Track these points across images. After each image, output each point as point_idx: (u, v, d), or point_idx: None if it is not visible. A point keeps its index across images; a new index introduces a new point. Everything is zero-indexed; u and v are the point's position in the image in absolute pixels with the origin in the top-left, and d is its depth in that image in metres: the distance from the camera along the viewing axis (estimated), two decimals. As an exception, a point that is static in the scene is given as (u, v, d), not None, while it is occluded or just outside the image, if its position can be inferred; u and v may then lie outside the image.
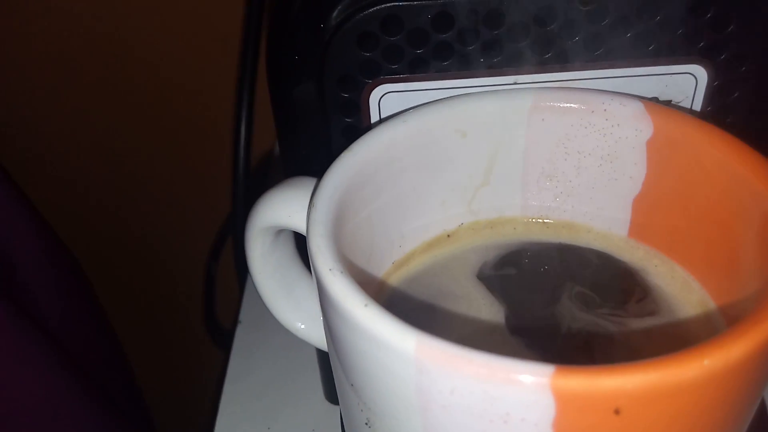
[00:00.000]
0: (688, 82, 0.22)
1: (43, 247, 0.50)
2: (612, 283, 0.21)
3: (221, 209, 0.56)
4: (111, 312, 0.60)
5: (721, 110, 0.22)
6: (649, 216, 0.22)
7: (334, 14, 0.20)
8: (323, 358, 0.29)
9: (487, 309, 0.20)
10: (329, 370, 0.29)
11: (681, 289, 0.21)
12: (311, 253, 0.16)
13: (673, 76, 0.22)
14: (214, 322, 0.53)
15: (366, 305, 0.14)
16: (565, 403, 0.13)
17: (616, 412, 0.13)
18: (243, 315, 0.35)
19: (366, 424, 0.16)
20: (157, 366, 0.67)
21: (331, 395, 0.30)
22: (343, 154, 0.19)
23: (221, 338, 0.52)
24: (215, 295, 0.55)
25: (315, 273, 0.16)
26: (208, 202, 0.59)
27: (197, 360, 0.65)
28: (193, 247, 0.61)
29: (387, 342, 0.14)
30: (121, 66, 0.52)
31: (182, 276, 0.63)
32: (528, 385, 0.13)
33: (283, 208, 0.20)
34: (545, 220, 0.23)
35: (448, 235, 0.23)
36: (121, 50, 0.51)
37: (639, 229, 0.22)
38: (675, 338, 0.19)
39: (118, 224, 0.62)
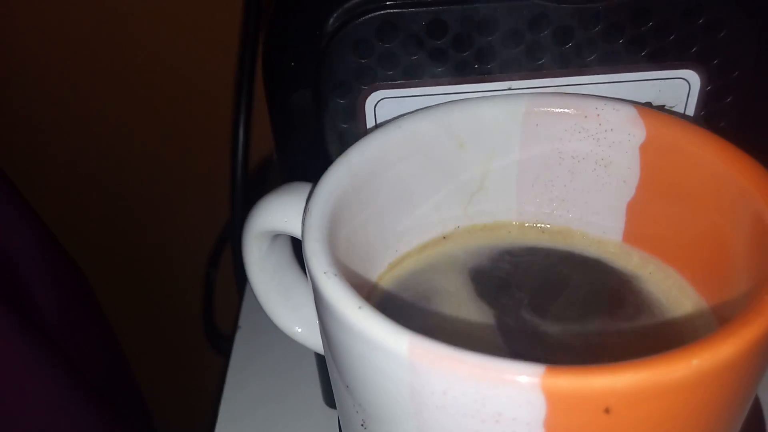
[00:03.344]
0: (681, 87, 0.22)
1: (46, 253, 0.50)
2: (606, 288, 0.21)
3: (220, 216, 0.56)
4: (111, 318, 0.60)
5: (713, 115, 0.22)
6: (643, 220, 0.22)
7: (330, 21, 0.20)
8: (322, 362, 0.29)
9: (479, 310, 0.20)
10: (327, 375, 0.29)
11: (675, 294, 0.21)
12: (306, 257, 0.17)
13: (666, 81, 0.22)
14: (213, 327, 0.53)
15: (360, 307, 0.15)
16: (555, 403, 0.13)
17: (607, 411, 0.13)
18: (242, 320, 0.35)
19: (362, 425, 0.17)
20: (157, 371, 0.67)
21: (330, 400, 0.30)
22: (338, 160, 0.19)
23: (220, 344, 0.53)
24: (214, 301, 0.55)
25: (310, 276, 0.16)
26: (207, 209, 0.59)
27: (197, 365, 0.65)
28: (193, 253, 0.61)
29: (380, 344, 0.14)
30: (120, 72, 0.52)
31: (181, 282, 0.64)
32: (519, 384, 0.13)
33: (279, 213, 0.20)
34: (540, 225, 0.24)
35: (444, 237, 0.23)
36: (119, 57, 0.51)
37: (633, 233, 0.22)
38: (668, 341, 0.19)
39: (118, 231, 0.62)
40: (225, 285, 0.55)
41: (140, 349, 0.65)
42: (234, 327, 0.35)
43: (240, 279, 0.45)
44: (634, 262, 0.22)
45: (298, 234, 0.20)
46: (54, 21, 0.50)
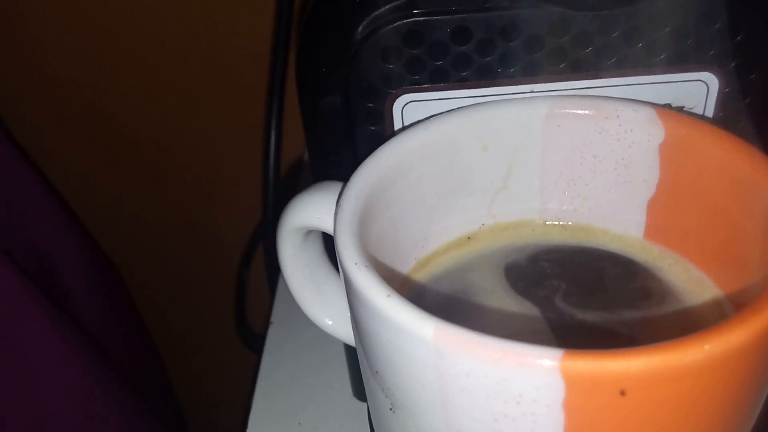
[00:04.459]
0: (699, 89, 0.23)
1: (84, 253, 0.52)
2: (627, 281, 0.22)
3: (252, 218, 0.57)
4: (144, 316, 0.62)
5: (732, 116, 0.23)
6: (663, 217, 0.23)
7: (360, 29, 0.22)
8: (351, 356, 0.30)
9: (511, 304, 0.21)
10: (357, 368, 0.30)
11: (695, 287, 0.21)
12: (338, 249, 0.18)
13: (684, 83, 0.22)
14: (245, 325, 0.55)
15: (388, 296, 0.16)
16: (573, 385, 0.14)
17: (622, 393, 0.14)
18: (274, 316, 0.37)
19: (390, 409, 0.18)
20: (189, 368, 0.69)
21: (359, 392, 0.31)
22: (367, 160, 0.20)
23: (252, 341, 0.54)
24: (246, 300, 0.56)
25: (342, 267, 0.18)
26: (239, 211, 0.61)
27: (228, 362, 0.67)
28: (225, 253, 0.63)
29: (408, 329, 0.15)
30: (155, 75, 0.54)
31: (214, 281, 0.65)
32: (539, 367, 0.14)
33: (312, 210, 0.21)
34: (563, 223, 0.24)
35: (469, 237, 0.24)
36: (154, 60, 0.53)
37: (654, 229, 0.23)
38: (687, 329, 0.20)
39: (153, 231, 0.64)
40: (257, 284, 0.56)
41: (172, 346, 0.66)
42: (266, 323, 0.37)
43: (272, 277, 0.46)
44: (654, 256, 0.22)
45: (329, 230, 0.21)
46: (92, 40, 0.52)
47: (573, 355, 0.14)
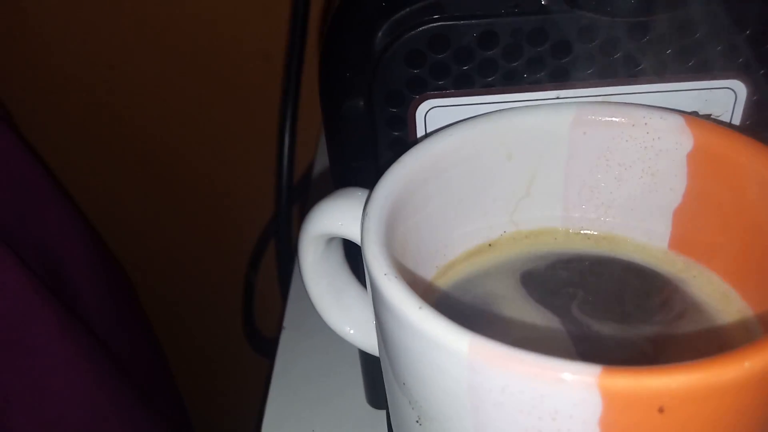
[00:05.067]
0: (727, 96, 0.22)
1: (92, 255, 0.52)
2: (652, 293, 0.22)
3: (260, 222, 0.57)
4: (151, 319, 0.62)
5: (759, 124, 0.23)
6: (689, 227, 0.22)
7: (384, 33, 0.21)
8: (366, 364, 0.30)
9: (530, 313, 0.21)
10: (372, 376, 0.30)
11: (720, 300, 0.21)
12: (366, 260, 0.17)
13: (712, 91, 0.22)
14: (253, 329, 0.55)
15: (420, 308, 0.15)
16: (611, 401, 0.14)
17: (660, 410, 0.14)
18: (287, 322, 0.36)
19: (417, 422, 0.17)
20: (196, 373, 0.69)
21: (373, 400, 0.31)
22: (393, 166, 0.20)
23: (259, 344, 0.54)
24: (254, 304, 0.56)
25: (370, 278, 0.17)
26: (248, 214, 0.61)
27: (235, 366, 0.67)
28: (233, 257, 0.62)
29: (441, 342, 0.15)
30: (165, 76, 0.54)
31: (222, 285, 0.65)
32: (576, 383, 0.14)
33: (335, 217, 0.21)
34: (586, 232, 0.24)
35: (490, 245, 0.24)
36: (165, 60, 0.53)
37: (679, 240, 0.23)
38: (715, 345, 0.19)
39: (161, 236, 0.64)
40: (264, 288, 0.56)
41: (180, 350, 0.66)
42: (279, 328, 0.36)
43: (283, 282, 0.46)
44: (678, 267, 0.22)
45: (352, 237, 0.20)
46: (110, 42, 0.52)
47: (611, 372, 0.14)
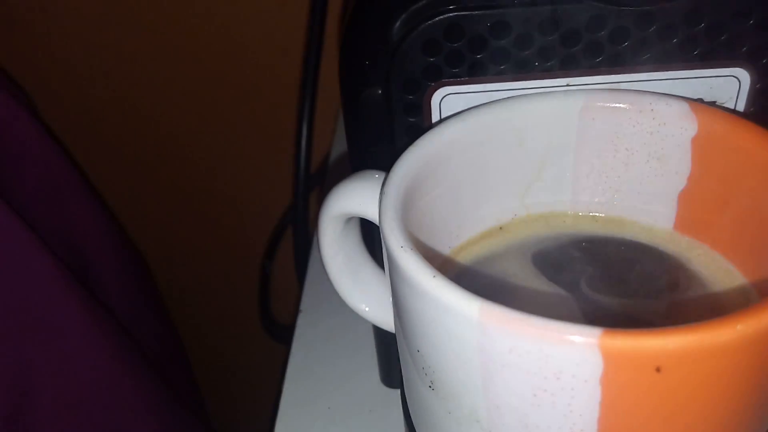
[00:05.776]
0: (731, 84, 0.23)
1: (114, 245, 0.53)
2: (657, 271, 0.23)
3: (275, 211, 0.59)
4: (169, 307, 0.63)
5: (763, 111, 0.23)
6: (693, 210, 0.23)
7: (402, 24, 0.22)
8: (380, 343, 0.31)
9: (541, 288, 0.22)
10: (386, 355, 0.31)
11: (722, 276, 0.22)
12: (384, 234, 0.19)
13: (717, 78, 0.23)
14: (269, 316, 0.56)
15: (434, 276, 0.16)
16: (611, 361, 0.15)
17: (658, 370, 0.15)
18: (303, 305, 0.38)
19: (430, 386, 0.18)
20: (211, 358, 0.70)
21: (387, 379, 0.32)
22: (409, 149, 0.21)
23: (275, 330, 0.55)
24: (270, 292, 0.57)
25: (387, 251, 0.18)
26: (263, 204, 0.62)
27: (251, 352, 0.68)
28: (249, 246, 0.64)
29: (454, 308, 0.16)
30: (180, 66, 0.55)
31: (238, 273, 0.66)
32: (578, 344, 0.15)
33: (354, 197, 0.22)
34: (594, 214, 0.25)
35: (501, 228, 0.25)
36: (190, 54, 0.54)
37: (683, 221, 0.23)
38: (715, 314, 0.20)
39: (177, 225, 0.65)
40: (280, 277, 0.57)
41: (197, 338, 0.68)
42: (296, 312, 0.38)
43: (300, 266, 0.47)
44: (683, 246, 0.23)
45: (369, 216, 0.21)
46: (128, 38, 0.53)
47: (611, 333, 0.15)
